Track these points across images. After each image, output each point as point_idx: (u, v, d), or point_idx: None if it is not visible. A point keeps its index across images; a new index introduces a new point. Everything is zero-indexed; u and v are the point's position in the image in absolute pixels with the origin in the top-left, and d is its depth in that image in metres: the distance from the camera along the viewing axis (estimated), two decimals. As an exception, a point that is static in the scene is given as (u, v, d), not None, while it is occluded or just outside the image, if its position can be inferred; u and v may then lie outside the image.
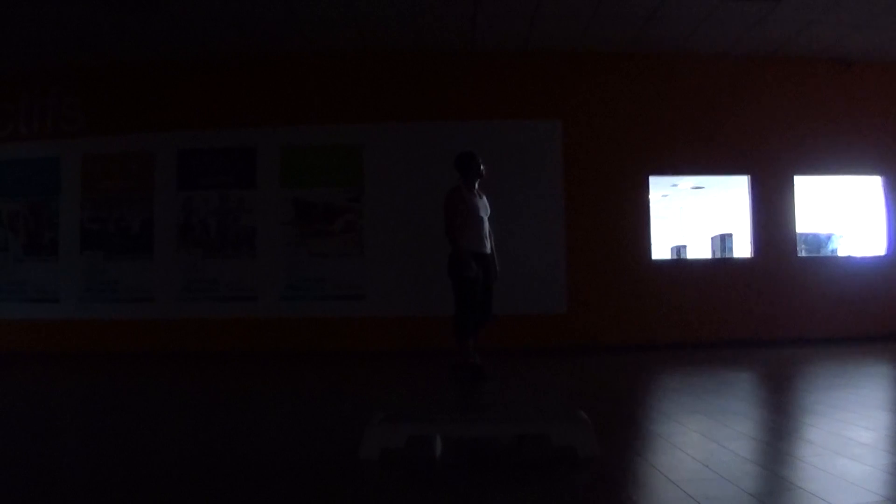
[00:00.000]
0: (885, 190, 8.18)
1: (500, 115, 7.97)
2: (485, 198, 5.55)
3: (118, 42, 7.58)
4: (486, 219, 5.44)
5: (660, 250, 8.42)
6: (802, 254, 8.32)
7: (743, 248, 8.35)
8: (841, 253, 8.42)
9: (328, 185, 7.99)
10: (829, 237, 8.54)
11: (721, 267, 8.35)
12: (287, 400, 4.80)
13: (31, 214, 8.20)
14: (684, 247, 10.57)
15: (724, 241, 8.73)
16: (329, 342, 7.79)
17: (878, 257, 8.14)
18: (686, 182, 9.71)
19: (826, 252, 8.49)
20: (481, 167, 5.47)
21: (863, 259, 8.21)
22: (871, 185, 8.26)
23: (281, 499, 2.33)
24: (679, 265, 8.54)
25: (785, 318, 7.84)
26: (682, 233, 10.68)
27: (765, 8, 6.85)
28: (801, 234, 8.28)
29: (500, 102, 8.00)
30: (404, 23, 7.28)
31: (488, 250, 5.41)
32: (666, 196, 11.16)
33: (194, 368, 6.69)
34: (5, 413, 4.33)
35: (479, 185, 5.52)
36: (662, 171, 8.17)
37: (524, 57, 8.05)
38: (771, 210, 8.06)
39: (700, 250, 9.19)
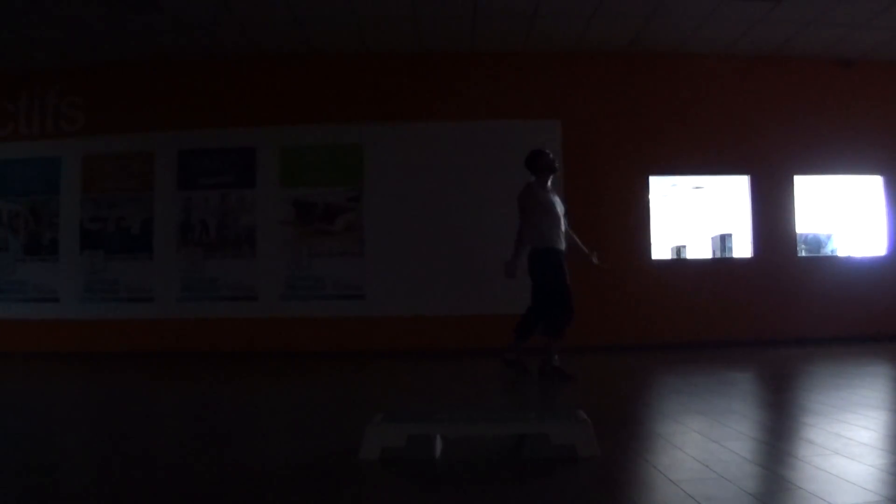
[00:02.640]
0: (885, 190, 8.18)
1: (500, 115, 7.97)
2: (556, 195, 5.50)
3: (118, 42, 7.58)
4: (561, 216, 5.41)
5: (660, 250, 8.40)
6: (802, 254, 8.32)
7: (743, 248, 8.34)
8: (841, 253, 8.41)
9: (328, 185, 8.00)
10: (829, 237, 8.53)
11: (721, 267, 8.34)
12: (287, 400, 4.80)
13: (31, 214, 8.20)
14: (684, 247, 10.55)
15: (724, 241, 8.71)
16: (329, 342, 7.79)
17: (878, 257, 8.14)
18: (686, 182, 9.70)
19: (826, 252, 8.49)
20: (554, 163, 5.45)
21: (863, 259, 8.21)
22: (871, 185, 8.26)
23: (281, 499, 2.33)
24: (679, 265, 8.54)
25: (785, 318, 7.84)
26: (682, 233, 10.68)
27: (765, 8, 6.85)
28: (801, 235, 8.28)
29: (500, 102, 8.00)
30: (404, 23, 7.28)
31: (564, 247, 5.39)
32: (665, 196, 11.13)
33: (194, 368, 6.69)
34: (5, 413, 4.33)
35: (551, 182, 5.47)
36: (662, 171, 8.17)
37: (524, 57, 8.05)
38: (771, 210, 8.06)
39: (700, 250, 9.19)
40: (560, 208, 5.43)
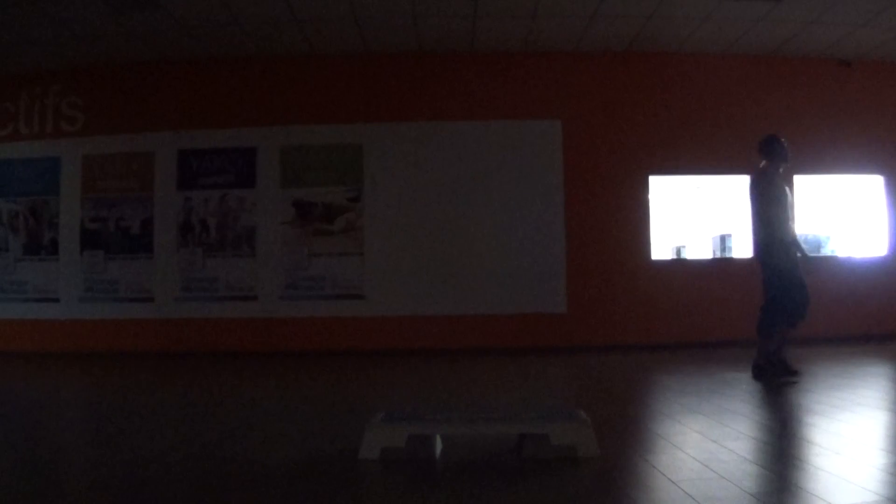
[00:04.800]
0: (885, 190, 8.18)
1: (500, 115, 7.97)
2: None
3: (118, 42, 7.58)
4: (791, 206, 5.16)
5: (660, 250, 8.40)
6: (802, 254, 8.30)
7: (743, 248, 8.33)
8: (841, 253, 8.41)
9: (328, 185, 8.00)
10: (828, 237, 8.52)
11: (721, 267, 8.34)
12: (287, 400, 4.80)
13: (31, 214, 8.20)
14: (684, 247, 10.53)
15: (724, 241, 8.70)
16: (329, 342, 7.79)
17: (878, 257, 8.14)
18: (686, 182, 9.71)
19: (826, 252, 8.48)
20: (788, 153, 5.16)
21: (863, 259, 8.20)
22: (871, 185, 8.25)
23: (281, 499, 2.33)
24: (679, 265, 8.53)
25: (785, 318, 7.82)
26: (682, 233, 10.68)
27: (765, 8, 6.86)
28: (801, 235, 8.26)
29: (500, 102, 8.00)
30: (404, 23, 7.28)
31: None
32: (666, 196, 11.09)
33: (194, 368, 6.69)
34: (5, 413, 4.33)
35: (783, 171, 5.18)
36: (662, 171, 8.17)
37: (524, 57, 8.05)
38: (771, 210, 8.04)
39: (700, 250, 9.18)
40: (791, 198, 5.15)
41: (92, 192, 8.15)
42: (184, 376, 6.22)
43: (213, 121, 8.10)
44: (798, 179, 8.10)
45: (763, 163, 5.19)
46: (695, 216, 9.69)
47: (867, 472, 2.44)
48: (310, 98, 8.08)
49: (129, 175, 8.13)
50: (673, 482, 2.36)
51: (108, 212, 8.12)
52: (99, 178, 8.16)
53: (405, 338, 7.73)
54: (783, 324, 5.03)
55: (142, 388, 5.49)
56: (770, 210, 4.99)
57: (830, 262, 8.31)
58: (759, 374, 4.99)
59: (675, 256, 8.91)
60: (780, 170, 5.15)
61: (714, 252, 8.84)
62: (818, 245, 8.54)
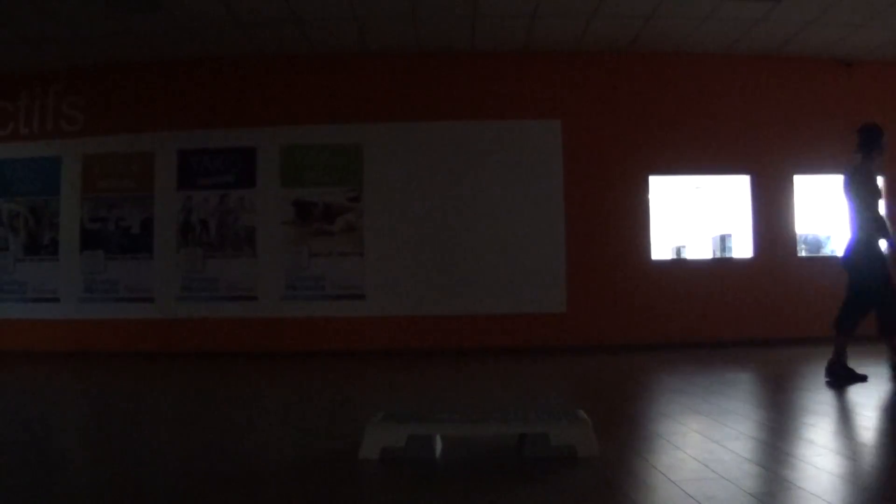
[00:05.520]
0: (885, 190, 8.17)
1: (500, 115, 7.97)
2: None
3: (118, 42, 7.58)
4: None
5: (660, 250, 8.40)
6: (802, 254, 8.32)
7: (743, 248, 8.34)
8: (841, 253, 8.39)
9: (328, 185, 8.00)
10: (829, 237, 8.52)
11: (721, 267, 8.35)
12: (287, 399, 4.80)
13: (31, 214, 8.21)
14: (684, 247, 10.52)
15: (724, 241, 8.70)
16: (329, 342, 7.79)
17: (878, 257, 8.12)
18: (686, 182, 9.72)
19: (826, 252, 8.48)
20: (885, 142, 4.83)
21: (863, 259, 8.18)
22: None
23: (281, 499, 2.33)
24: (679, 265, 8.52)
25: (785, 318, 7.83)
26: (682, 233, 10.68)
27: (765, 8, 6.86)
28: (801, 235, 8.28)
29: (500, 102, 8.00)
30: (404, 23, 7.28)
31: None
32: (668, 194, 11.08)
33: (194, 368, 6.69)
34: (5, 413, 4.33)
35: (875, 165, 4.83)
36: (662, 170, 8.17)
37: (524, 57, 8.05)
38: (771, 210, 8.06)
39: (700, 250, 9.20)
40: None
41: (92, 192, 8.15)
42: (183, 376, 6.22)
43: (213, 121, 8.10)
44: (798, 179, 8.11)
45: (858, 156, 4.88)
46: (695, 216, 9.71)
47: (867, 473, 2.44)
48: (310, 98, 8.08)
49: (129, 175, 8.14)
50: (673, 482, 2.36)
51: (108, 212, 8.13)
52: (99, 178, 8.16)
53: (405, 338, 7.74)
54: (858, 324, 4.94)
55: (141, 388, 5.49)
56: (870, 208, 4.73)
57: (830, 261, 8.30)
58: (833, 378, 4.83)
59: (675, 256, 8.92)
60: (873, 164, 4.82)
61: (714, 252, 8.85)
62: (818, 245, 8.55)
